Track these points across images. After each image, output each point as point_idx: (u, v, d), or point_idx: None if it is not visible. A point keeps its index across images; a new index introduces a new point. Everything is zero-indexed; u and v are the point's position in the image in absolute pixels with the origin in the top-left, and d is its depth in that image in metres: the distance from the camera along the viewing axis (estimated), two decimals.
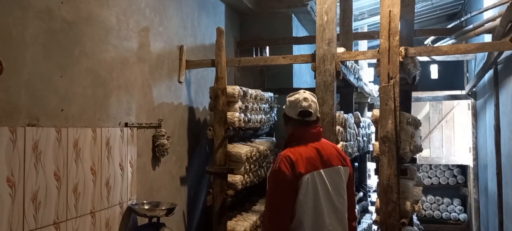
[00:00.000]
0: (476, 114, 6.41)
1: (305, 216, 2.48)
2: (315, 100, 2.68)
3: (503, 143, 4.32)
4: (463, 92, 7.16)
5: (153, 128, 3.52)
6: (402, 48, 3.42)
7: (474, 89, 6.22)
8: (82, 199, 2.65)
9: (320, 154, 2.58)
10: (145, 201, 3.31)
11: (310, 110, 2.61)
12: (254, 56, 5.39)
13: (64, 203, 2.51)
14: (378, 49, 3.50)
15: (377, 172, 3.68)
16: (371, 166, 6.47)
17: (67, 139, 2.53)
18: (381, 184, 3.48)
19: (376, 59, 3.56)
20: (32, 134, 2.29)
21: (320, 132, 2.72)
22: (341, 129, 3.88)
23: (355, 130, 4.91)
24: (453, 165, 8.06)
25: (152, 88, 3.54)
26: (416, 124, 4.17)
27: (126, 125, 3.15)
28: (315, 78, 3.71)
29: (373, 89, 6.70)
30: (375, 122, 3.62)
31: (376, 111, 3.62)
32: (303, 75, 6.46)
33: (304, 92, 2.69)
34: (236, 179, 3.95)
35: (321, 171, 2.54)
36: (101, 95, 2.88)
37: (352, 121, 4.82)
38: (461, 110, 7.35)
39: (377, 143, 3.61)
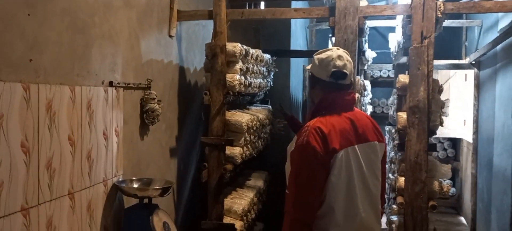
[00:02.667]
0: (478, 86, 6.06)
1: (337, 201, 2.02)
2: (351, 60, 2.16)
3: None
4: (461, 61, 6.79)
5: (141, 89, 2.92)
6: (440, 2, 2.91)
7: (480, 58, 5.84)
8: (57, 177, 2.05)
9: (354, 126, 2.10)
10: (134, 178, 2.73)
11: (345, 71, 2.11)
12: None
13: (35, 183, 1.91)
14: (411, 3, 2.98)
15: (401, 147, 3.22)
16: None
17: (37, 98, 1.91)
18: (408, 161, 3.03)
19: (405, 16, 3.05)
20: None
21: (355, 100, 2.22)
22: (358, 95, 3.39)
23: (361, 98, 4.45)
24: (444, 138, 7.78)
25: (140, 40, 2.92)
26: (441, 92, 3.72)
27: (110, 84, 2.53)
28: (332, 35, 3.17)
29: (369, 55, 6.23)
30: (402, 88, 3.14)
31: (404, 77, 3.13)
32: (297, 37, 5.91)
33: (338, 49, 2.17)
34: (235, 151, 3.41)
35: (356, 146, 2.07)
36: (80, 44, 2.25)
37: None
38: (458, 81, 7.01)
39: (403, 114, 3.14)
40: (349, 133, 2.07)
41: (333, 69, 2.09)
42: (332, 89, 2.13)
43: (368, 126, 2.18)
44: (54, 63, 2.04)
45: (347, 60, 2.13)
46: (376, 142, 2.18)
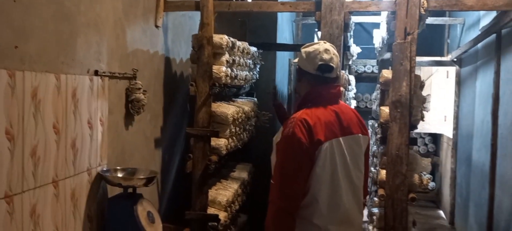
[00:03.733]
0: (459, 83, 6.18)
1: (321, 192, 2.06)
2: (337, 54, 2.20)
3: (504, 113, 4.05)
4: (443, 58, 6.91)
5: (127, 79, 2.91)
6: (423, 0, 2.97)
7: (461, 56, 5.96)
8: (42, 165, 2.05)
9: (339, 118, 2.14)
10: (118, 167, 2.73)
11: (331, 64, 2.14)
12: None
13: (19, 171, 1.90)
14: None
15: (383, 140, 3.28)
16: None
17: (23, 86, 1.90)
18: (389, 154, 3.09)
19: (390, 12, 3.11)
20: None
21: (340, 93, 2.26)
22: (343, 90, 3.43)
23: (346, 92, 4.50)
24: (425, 133, 7.92)
25: (126, 30, 2.91)
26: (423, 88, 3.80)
27: (96, 73, 2.53)
28: (318, 30, 3.21)
29: (354, 50, 6.30)
30: (385, 83, 3.19)
31: (387, 73, 3.19)
32: (283, 31, 5.93)
33: (324, 43, 2.21)
34: (220, 143, 3.43)
35: (340, 139, 2.11)
36: (66, 32, 2.24)
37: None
38: (439, 78, 7.13)
39: (385, 108, 3.20)
40: (334, 125, 2.11)
41: (319, 63, 2.13)
42: (318, 82, 2.17)
43: (353, 119, 2.23)
44: (40, 51, 2.03)
45: (333, 54, 2.16)
46: (360, 134, 2.23)
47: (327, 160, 2.06)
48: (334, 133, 2.10)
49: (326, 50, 2.14)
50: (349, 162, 2.14)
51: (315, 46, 2.17)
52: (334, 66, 2.15)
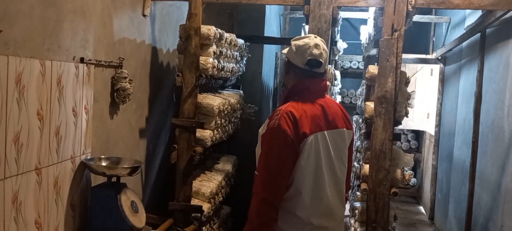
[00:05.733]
0: (443, 80, 6.27)
1: (305, 184, 2.08)
2: (326, 49, 2.21)
3: (486, 111, 4.12)
4: (428, 56, 6.99)
5: (113, 67, 2.88)
6: None
7: (446, 54, 6.03)
8: (25, 152, 2.03)
9: (325, 112, 2.16)
10: (102, 156, 2.71)
11: (320, 60, 2.16)
12: None
13: (1, 157, 1.88)
14: None
15: (367, 135, 3.32)
16: None
17: (7, 71, 1.87)
18: (373, 149, 3.12)
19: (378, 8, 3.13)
20: None
21: (327, 87, 2.28)
22: (329, 84, 3.45)
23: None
24: (408, 130, 8.02)
25: (113, 18, 2.88)
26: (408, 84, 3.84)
27: (81, 60, 2.50)
28: (306, 23, 3.22)
29: (341, 46, 6.33)
30: (371, 79, 3.22)
31: (373, 68, 3.21)
32: (271, 24, 5.93)
33: (315, 37, 2.21)
34: (205, 134, 3.43)
35: (325, 132, 2.13)
36: (52, 18, 2.20)
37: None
38: (423, 75, 7.22)
39: (370, 103, 3.23)
40: (319, 118, 2.13)
41: (309, 57, 2.13)
42: (306, 76, 2.18)
43: (338, 113, 2.25)
44: (25, 36, 2.00)
45: (323, 49, 2.17)
46: (344, 129, 2.25)
47: (311, 153, 2.08)
48: (319, 126, 2.12)
49: (317, 45, 2.15)
50: (333, 155, 2.17)
51: (305, 40, 2.17)
52: (323, 61, 2.17)
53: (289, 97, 2.19)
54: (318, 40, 2.19)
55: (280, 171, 2.05)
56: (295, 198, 2.10)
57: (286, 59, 2.26)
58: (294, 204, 2.09)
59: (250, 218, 2.08)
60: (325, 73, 2.28)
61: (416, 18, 5.49)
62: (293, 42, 2.21)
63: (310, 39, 2.18)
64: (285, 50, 2.27)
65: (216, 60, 3.46)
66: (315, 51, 2.13)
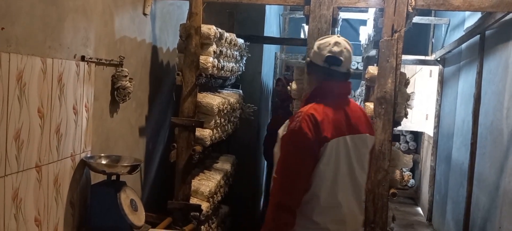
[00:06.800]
0: (442, 82, 6.28)
1: (323, 189, 2.04)
2: (350, 49, 2.15)
3: (485, 113, 4.14)
4: (427, 58, 7.01)
5: (113, 66, 2.89)
6: None
7: (445, 56, 6.05)
8: (25, 149, 2.03)
9: (347, 116, 2.12)
10: (102, 154, 2.72)
11: (340, 57, 2.10)
12: None
13: (2, 154, 1.88)
14: None
15: None
16: None
17: (8, 68, 1.87)
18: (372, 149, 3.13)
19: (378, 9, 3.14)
20: None
21: (350, 90, 2.24)
22: None
23: None
24: (406, 131, 8.03)
25: (114, 17, 2.88)
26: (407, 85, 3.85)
27: (82, 58, 2.50)
28: (306, 24, 3.22)
29: None
30: (371, 80, 3.23)
31: (373, 69, 3.22)
32: (271, 24, 5.94)
33: (338, 36, 2.16)
34: (205, 133, 3.44)
35: (347, 137, 2.08)
36: (53, 16, 2.21)
37: None
38: (422, 76, 7.23)
39: (370, 104, 3.24)
40: (341, 122, 2.09)
41: (328, 54, 2.09)
42: (326, 75, 2.13)
43: (361, 118, 2.21)
44: (26, 34, 2.00)
45: (344, 48, 2.12)
46: (367, 134, 2.20)
47: (332, 157, 2.04)
48: (341, 130, 2.07)
49: (337, 43, 2.11)
50: (354, 161, 2.12)
51: (327, 39, 2.16)
52: (343, 59, 2.11)
53: (311, 99, 2.15)
54: (341, 39, 2.14)
55: (298, 175, 2.02)
56: (311, 202, 2.06)
57: (308, 59, 2.25)
58: (310, 208, 2.05)
59: (266, 220, 2.04)
60: (349, 76, 2.23)
61: (416, 19, 5.49)
62: (315, 42, 2.20)
63: (331, 38, 2.15)
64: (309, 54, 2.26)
65: (216, 60, 3.47)
66: (335, 49, 2.09)
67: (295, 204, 2.02)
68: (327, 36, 2.21)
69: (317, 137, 1.99)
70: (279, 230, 2.02)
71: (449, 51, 5.67)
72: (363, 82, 5.06)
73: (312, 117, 2.01)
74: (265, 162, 6.02)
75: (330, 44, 2.10)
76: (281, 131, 2.12)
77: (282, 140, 2.09)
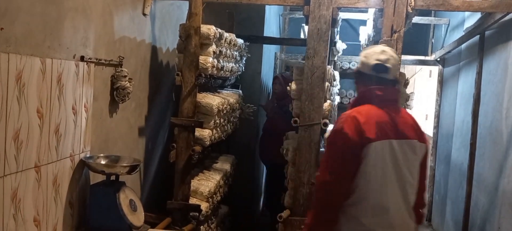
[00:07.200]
0: (442, 82, 6.29)
1: (370, 192, 2.06)
2: (396, 57, 2.22)
3: (485, 113, 4.14)
4: (427, 58, 7.01)
5: (113, 66, 2.88)
6: None
7: (445, 56, 6.05)
8: (24, 150, 2.03)
9: (394, 121, 2.13)
10: (101, 155, 2.72)
11: (387, 65, 2.16)
12: None
13: (1, 154, 1.88)
14: None
15: None
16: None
17: (7, 68, 1.87)
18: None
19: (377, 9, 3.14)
20: None
21: (397, 95, 2.27)
22: (328, 85, 3.45)
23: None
24: None
25: (114, 16, 2.88)
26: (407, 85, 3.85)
27: (82, 58, 2.50)
28: (306, 24, 3.22)
29: (340, 47, 6.32)
30: None
31: None
32: (270, 25, 5.94)
33: (384, 46, 2.27)
34: (204, 133, 3.44)
35: (393, 141, 2.09)
36: (53, 16, 2.21)
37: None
38: (422, 77, 7.24)
39: None
40: (387, 126, 2.11)
41: (375, 62, 2.16)
42: (374, 82, 2.18)
43: (408, 123, 2.22)
44: (26, 34, 2.00)
45: (390, 56, 2.18)
46: (416, 140, 2.20)
47: (377, 160, 2.06)
48: (386, 133, 2.09)
49: (383, 51, 2.19)
50: (402, 166, 2.12)
51: (373, 48, 2.25)
52: (390, 66, 2.16)
53: (357, 103, 2.22)
54: (386, 48, 2.24)
55: (340, 174, 2.07)
56: (360, 204, 2.09)
57: (356, 70, 2.32)
58: (358, 210, 2.09)
59: (309, 216, 2.14)
60: (397, 83, 2.27)
61: (415, 19, 5.49)
62: (362, 53, 2.28)
63: (377, 47, 2.25)
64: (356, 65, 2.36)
65: (215, 60, 3.47)
66: (382, 57, 2.17)
67: (336, 203, 2.09)
68: (373, 46, 2.30)
69: (359, 137, 2.04)
70: (321, 226, 2.10)
71: (449, 52, 5.67)
72: None
73: (355, 118, 2.07)
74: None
75: (376, 52, 2.18)
76: (327, 133, 2.20)
77: (326, 141, 2.18)
